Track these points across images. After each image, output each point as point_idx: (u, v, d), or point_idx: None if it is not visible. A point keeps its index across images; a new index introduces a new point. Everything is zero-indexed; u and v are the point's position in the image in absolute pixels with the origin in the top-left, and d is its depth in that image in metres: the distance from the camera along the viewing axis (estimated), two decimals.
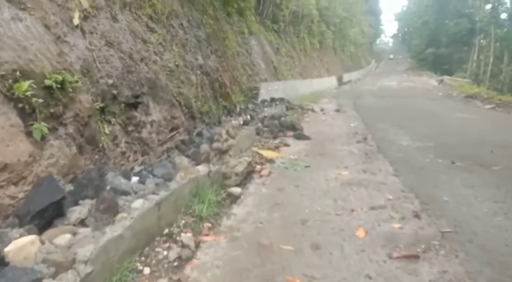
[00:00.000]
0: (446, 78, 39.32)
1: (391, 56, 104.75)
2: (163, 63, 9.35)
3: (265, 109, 11.86)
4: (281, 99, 15.41)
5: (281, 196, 4.76)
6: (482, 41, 63.76)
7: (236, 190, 4.63)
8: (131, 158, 6.53)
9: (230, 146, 5.67)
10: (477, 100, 19.40)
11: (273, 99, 15.19)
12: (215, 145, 5.65)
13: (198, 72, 11.59)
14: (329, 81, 34.47)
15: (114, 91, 6.76)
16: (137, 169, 5.17)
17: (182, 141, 5.31)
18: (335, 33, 46.81)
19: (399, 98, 19.76)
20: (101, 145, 6.08)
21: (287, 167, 6.04)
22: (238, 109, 13.32)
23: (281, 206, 4.47)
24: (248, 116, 9.17)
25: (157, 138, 8.04)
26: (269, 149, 6.98)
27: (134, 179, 4.40)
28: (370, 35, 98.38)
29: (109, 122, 6.59)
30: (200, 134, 5.96)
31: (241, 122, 7.82)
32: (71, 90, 5.46)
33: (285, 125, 8.98)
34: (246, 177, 5.12)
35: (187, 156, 5.16)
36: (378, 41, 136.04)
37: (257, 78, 18.70)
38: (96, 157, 5.94)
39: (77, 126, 5.56)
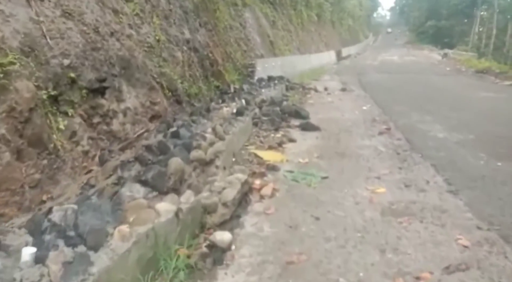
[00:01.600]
0: (449, 51, 37.65)
1: (389, 29, 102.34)
2: (140, 38, 7.83)
3: (263, 90, 10.38)
4: (280, 78, 13.91)
5: (294, 244, 3.05)
6: (484, 13, 61.88)
7: (223, 237, 2.89)
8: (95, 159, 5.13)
9: (217, 152, 3.97)
10: (490, 76, 17.96)
11: (270, 78, 13.68)
12: (195, 154, 3.79)
13: (185, 48, 10.08)
14: (328, 56, 32.80)
15: (72, 74, 5.31)
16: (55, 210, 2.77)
17: (148, 148, 3.74)
18: (333, 6, 44.93)
19: (406, 74, 18.25)
20: (51, 145, 4.68)
21: (296, 178, 4.39)
22: (232, 89, 11.90)
23: (297, 269, 2.74)
24: (243, 101, 7.70)
25: (133, 130, 6.64)
26: (270, 147, 5.61)
27: (28, 252, 2.15)
28: (367, 7, 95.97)
29: (65, 114, 5.17)
30: (175, 134, 4.32)
31: (234, 110, 6.37)
32: (0, 75, 4.02)
33: (287, 112, 7.50)
34: (240, 203, 3.50)
35: (145, 182, 3.15)
36: (375, 15, 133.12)
37: (252, 54, 17.18)
38: (45, 162, 4.54)
39: (13, 125, 4.14)
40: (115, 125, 6.11)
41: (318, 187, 4.21)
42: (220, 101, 8.50)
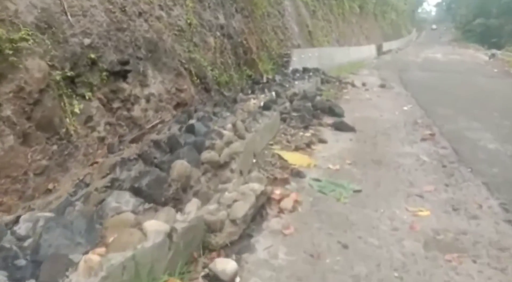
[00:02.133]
0: (497, 52, 35.49)
1: (434, 26, 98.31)
2: (170, 21, 7.45)
3: (296, 82, 9.80)
4: (316, 70, 13.27)
5: (314, 281, 2.42)
6: None
7: (226, 267, 2.30)
8: (115, 145, 4.79)
9: (234, 153, 3.39)
10: None
11: (306, 69, 13.07)
12: (207, 155, 3.19)
13: (218, 33, 9.66)
14: (368, 50, 31.63)
15: (93, 55, 4.99)
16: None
17: (156, 143, 3.29)
18: None
19: (451, 74, 17.10)
20: (63, 129, 4.37)
21: (324, 190, 3.76)
22: (265, 79, 11.43)
23: None
24: (273, 93, 7.18)
25: (156, 117, 6.30)
26: (297, 148, 5.01)
27: None
28: (412, 2, 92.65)
29: (82, 97, 4.86)
30: (190, 129, 3.80)
31: (262, 103, 5.86)
32: (9, 52, 3.70)
33: (320, 108, 6.86)
34: (254, 218, 2.93)
35: (138, 190, 2.55)
36: (420, 10, 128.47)
37: (289, 44, 16.61)
38: (54, 147, 4.23)
39: (20, 106, 3.84)
40: (136, 111, 5.78)
41: (348, 203, 3.57)
42: (250, 91, 8.03)
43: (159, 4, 7.17)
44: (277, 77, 9.92)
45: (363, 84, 12.13)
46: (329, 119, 6.63)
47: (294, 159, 4.52)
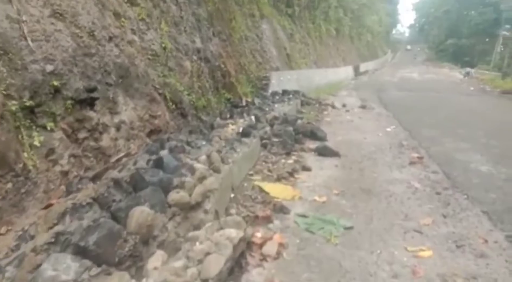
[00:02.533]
0: (471, 70, 36.43)
1: (409, 47, 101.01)
2: (143, 45, 7.15)
3: (276, 105, 9.55)
4: (295, 92, 13.11)
5: None
6: (506, 33, 60.70)
7: None
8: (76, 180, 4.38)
9: (208, 191, 2.91)
10: None
11: (285, 92, 12.90)
12: (175, 196, 2.72)
13: (195, 57, 9.41)
14: (345, 71, 31.96)
15: (56, 82, 4.61)
16: None
17: (117, 182, 2.84)
18: (352, 21, 44.27)
19: (428, 92, 17.23)
20: (20, 165, 3.95)
21: (312, 228, 3.34)
22: (244, 102, 11.19)
23: None
24: (253, 118, 6.88)
25: (127, 146, 5.91)
26: (280, 178, 4.62)
27: None
28: (387, 24, 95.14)
29: (44, 128, 4.46)
30: (158, 163, 3.45)
31: (240, 129, 5.54)
32: None
33: (302, 132, 6.56)
34: (232, 271, 2.44)
35: (84, 250, 2.06)
36: (394, 31, 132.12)
37: (267, 67, 16.54)
38: (9, 186, 3.80)
39: None
40: (105, 141, 5.38)
41: (340, 243, 3.13)
42: (228, 115, 7.71)
43: (131, 28, 6.88)
44: (256, 101, 9.67)
45: (343, 106, 12.00)
46: (311, 144, 6.32)
47: (277, 191, 4.13)
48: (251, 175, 4.75)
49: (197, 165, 3.32)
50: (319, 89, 19.58)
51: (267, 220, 3.21)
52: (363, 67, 41.51)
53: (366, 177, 5.01)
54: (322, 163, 5.61)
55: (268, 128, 6.45)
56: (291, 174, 4.59)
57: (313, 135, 6.69)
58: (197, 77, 9.27)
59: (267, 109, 8.38)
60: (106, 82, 5.77)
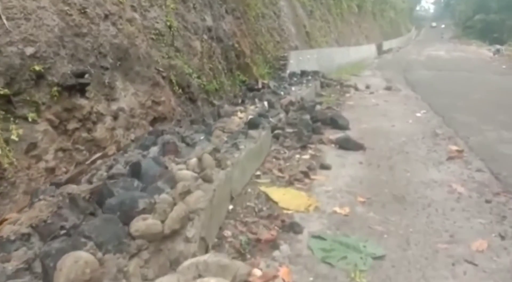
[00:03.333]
0: (501, 47, 34.46)
1: (434, 23, 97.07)
2: (146, 23, 6.50)
3: (293, 88, 8.80)
4: (314, 73, 12.29)
5: None
6: None
7: None
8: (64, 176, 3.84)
9: (192, 212, 2.17)
10: None
11: (304, 73, 12.10)
12: (139, 225, 1.95)
13: (205, 37, 8.72)
14: (368, 50, 30.70)
15: (38, 67, 4.04)
16: None
17: (72, 200, 2.14)
18: None
19: (458, 72, 16.09)
20: None
21: (330, 258, 2.54)
22: (260, 84, 10.51)
23: None
24: (266, 104, 6.16)
25: (127, 136, 5.34)
26: (292, 179, 3.82)
27: None
28: (410, 0, 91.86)
29: (25, 119, 3.92)
30: (135, 170, 2.78)
31: (249, 117, 4.85)
32: None
33: (321, 119, 5.86)
34: None
35: None
36: (418, 7, 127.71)
37: (286, 46, 15.73)
38: None
39: None
40: (100, 131, 4.82)
41: None
42: (241, 100, 7.03)
43: (131, 5, 6.23)
44: (272, 83, 8.94)
45: (367, 87, 11.13)
46: (331, 134, 5.58)
47: (288, 199, 3.34)
48: (258, 176, 3.98)
49: (183, 173, 2.67)
50: (341, 69, 18.65)
51: (272, 244, 2.52)
52: (386, 45, 40.04)
53: (397, 178, 4.18)
54: (344, 159, 4.79)
55: (282, 115, 5.74)
56: (306, 174, 3.87)
57: (334, 123, 6.00)
58: (208, 58, 8.61)
59: (282, 93, 7.62)
60: (101, 66, 5.17)
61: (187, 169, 2.90)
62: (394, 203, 3.52)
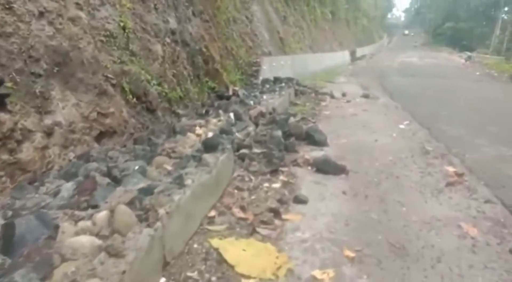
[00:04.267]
0: (473, 54, 35.03)
1: (406, 31, 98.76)
2: (94, 23, 5.65)
3: (265, 96, 8.06)
4: (288, 79, 11.62)
5: None
6: (505, 15, 59.52)
7: None
8: None
9: None
10: None
11: (277, 79, 11.43)
12: None
13: (168, 40, 7.92)
14: (342, 56, 30.44)
15: None
16: None
17: None
18: (348, 3, 42.66)
19: (434, 79, 15.80)
20: None
21: None
22: (231, 91, 9.78)
23: None
24: (232, 115, 5.34)
25: (63, 156, 4.49)
26: (257, 221, 2.90)
27: None
28: (382, 8, 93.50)
29: None
30: (7, 236, 1.72)
31: (209, 133, 4.00)
32: None
33: (295, 134, 5.07)
34: None
35: None
36: (390, 15, 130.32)
37: (259, 52, 15.09)
38: None
39: None
40: (27, 152, 3.94)
41: None
42: (204, 111, 6.23)
43: (76, 2, 5.36)
44: (241, 92, 8.19)
45: (343, 95, 10.52)
46: (307, 151, 4.80)
47: (249, 259, 2.41)
48: (212, 219, 3.01)
49: (78, 243, 1.82)
50: (315, 75, 18.15)
51: None
52: (359, 52, 40.07)
53: (391, 216, 3.29)
54: (324, 187, 3.90)
55: (251, 128, 4.95)
56: (276, 212, 2.97)
57: (310, 138, 5.25)
58: (171, 63, 7.80)
59: (252, 102, 6.83)
60: (31, 72, 4.30)
61: (90, 232, 1.93)
62: (393, 258, 2.62)
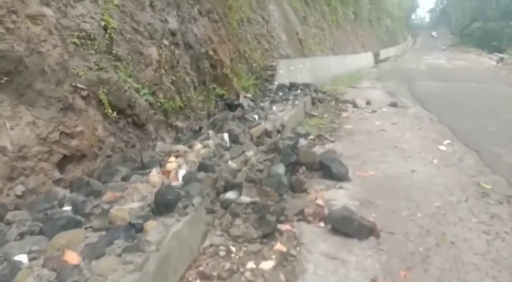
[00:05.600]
0: (504, 56, 33.02)
1: (434, 33, 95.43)
2: (65, 23, 4.65)
3: (274, 107, 6.93)
4: (305, 86, 10.46)
5: None
6: None
7: None
8: None
9: None
10: None
11: (293, 85, 10.31)
12: None
13: (166, 42, 6.96)
14: (365, 58, 29.08)
15: None
16: None
17: None
18: (371, 3, 41.21)
19: (467, 83, 14.33)
20: None
21: None
22: (241, 100, 8.79)
23: None
24: (226, 136, 4.17)
25: (8, 190, 3.52)
26: None
27: None
28: (406, 8, 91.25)
29: None
30: None
31: (180, 172, 2.87)
32: None
33: (306, 164, 3.94)
34: None
35: None
36: (414, 16, 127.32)
37: (276, 54, 14.07)
38: None
39: None
40: None
41: None
42: (198, 128, 5.15)
43: None
44: (245, 103, 7.10)
45: (368, 103, 9.28)
46: (321, 191, 3.62)
47: None
48: None
49: None
50: (337, 79, 16.97)
51: None
52: (383, 53, 38.59)
53: None
54: (342, 267, 2.58)
55: (251, 153, 3.80)
56: None
57: (325, 169, 4.00)
58: (169, 68, 6.82)
59: (256, 117, 5.57)
60: None
61: None
62: None
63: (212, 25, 9.43)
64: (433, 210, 3.47)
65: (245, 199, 2.96)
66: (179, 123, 6.70)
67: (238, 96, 9.17)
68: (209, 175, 2.97)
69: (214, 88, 8.52)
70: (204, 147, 3.75)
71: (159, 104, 6.13)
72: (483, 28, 65.79)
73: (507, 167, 4.55)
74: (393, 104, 9.17)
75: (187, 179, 2.81)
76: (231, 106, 8.27)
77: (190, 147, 3.87)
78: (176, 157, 3.53)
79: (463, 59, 34.80)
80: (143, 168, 3.35)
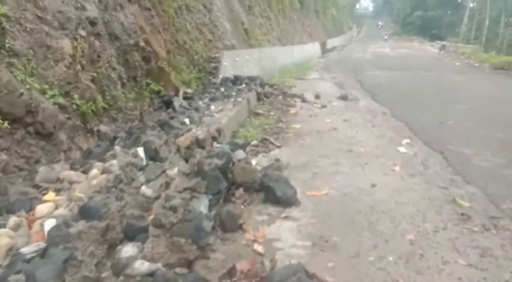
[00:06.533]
0: (447, 44, 34.03)
1: (380, 23, 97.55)
2: None
3: (212, 106, 6.07)
4: (251, 79, 9.69)
5: None
6: (472, 4, 59.69)
7: None
8: None
9: None
10: None
11: (237, 79, 9.50)
12: None
13: (83, 33, 5.91)
14: (313, 48, 28.81)
15: None
16: None
17: None
18: None
19: (414, 71, 14.18)
20: None
21: None
22: (180, 96, 7.93)
23: None
24: (141, 152, 3.20)
25: None
26: None
27: None
28: None
29: None
30: None
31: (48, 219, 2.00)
32: None
33: (244, 184, 3.03)
34: None
35: None
36: (358, 5, 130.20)
37: (220, 45, 13.16)
38: None
39: None
40: None
41: None
42: (113, 137, 4.21)
43: None
44: (177, 103, 6.22)
45: (317, 97, 8.64)
46: (260, 227, 2.69)
47: None
48: None
49: None
50: (284, 70, 16.38)
51: None
52: (330, 43, 38.68)
53: None
54: None
55: (174, 171, 2.91)
56: None
57: (267, 192, 3.14)
58: (88, 63, 5.81)
59: (187, 121, 4.64)
60: None
61: None
62: None
63: (143, 13, 8.42)
64: (407, 248, 2.61)
65: (141, 264, 1.91)
66: (102, 128, 5.74)
67: (177, 92, 8.28)
68: (94, 225, 2.05)
69: (148, 84, 7.59)
70: (104, 172, 2.79)
71: (74, 106, 5.16)
72: (424, 17, 68.14)
73: (479, 174, 3.94)
74: (343, 97, 8.59)
75: (53, 238, 1.85)
76: (168, 104, 7.37)
77: (84, 172, 2.89)
78: (58, 191, 2.56)
79: (407, 47, 35.54)
80: (8, 211, 2.33)
